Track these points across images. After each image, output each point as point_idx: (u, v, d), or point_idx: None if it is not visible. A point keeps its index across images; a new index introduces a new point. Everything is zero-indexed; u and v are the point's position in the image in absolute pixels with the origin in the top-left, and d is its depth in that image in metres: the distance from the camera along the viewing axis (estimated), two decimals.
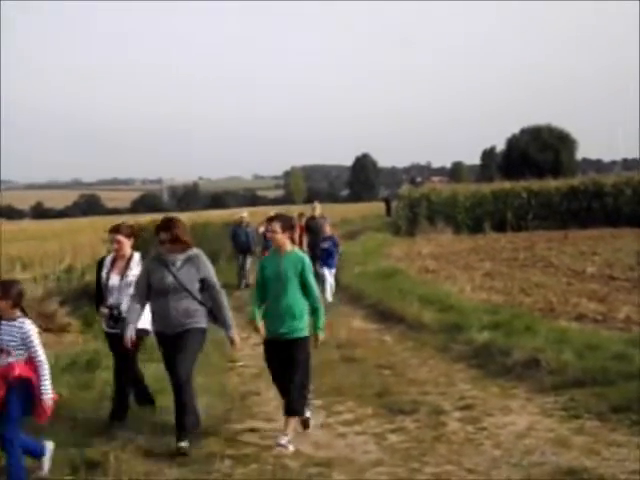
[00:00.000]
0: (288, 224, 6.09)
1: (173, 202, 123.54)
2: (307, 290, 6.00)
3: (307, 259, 6.11)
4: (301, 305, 6.00)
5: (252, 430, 6.35)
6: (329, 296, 13.23)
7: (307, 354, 6.12)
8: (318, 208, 15.86)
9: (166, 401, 6.57)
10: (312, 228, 15.19)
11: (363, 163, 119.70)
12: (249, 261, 17.47)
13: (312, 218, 15.57)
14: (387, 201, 47.33)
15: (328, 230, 14.20)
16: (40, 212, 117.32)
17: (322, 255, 13.83)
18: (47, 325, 10.20)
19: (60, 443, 5.52)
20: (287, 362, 5.99)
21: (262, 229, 16.13)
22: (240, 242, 17.60)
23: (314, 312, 6.08)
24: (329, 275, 13.76)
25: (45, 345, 5.25)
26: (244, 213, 18.74)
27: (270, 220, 6.21)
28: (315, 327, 6.09)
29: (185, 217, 23.47)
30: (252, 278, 15.83)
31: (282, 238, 6.00)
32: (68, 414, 6.38)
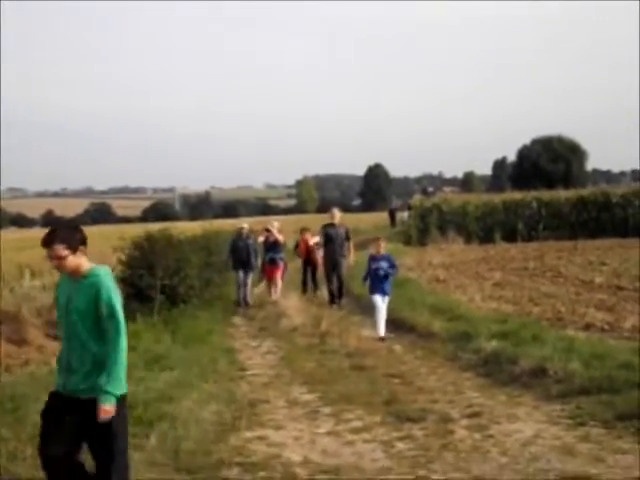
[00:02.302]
0: (75, 238, 4.20)
1: (185, 211, 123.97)
2: (105, 327, 4.09)
3: (108, 280, 4.22)
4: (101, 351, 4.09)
5: (260, 438, 6.37)
6: (382, 330, 11.06)
7: (119, 425, 4.11)
8: (337, 215, 14.47)
9: None
10: (331, 236, 13.93)
11: (375, 173, 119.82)
12: (251, 277, 15.77)
13: (331, 225, 14.18)
14: (392, 212, 47.28)
15: (382, 247, 11.62)
16: (51, 220, 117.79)
17: (374, 279, 11.30)
18: (55, 333, 10.27)
19: None
20: (82, 433, 4.13)
21: (261, 238, 15.90)
22: (240, 256, 15.67)
23: (102, 365, 4.06)
24: (383, 305, 11.18)
25: (53, 353, 5.29)
26: (244, 224, 17.11)
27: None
28: (100, 390, 4.01)
29: (197, 226, 23.68)
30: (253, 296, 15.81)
31: (72, 261, 4.16)
32: None
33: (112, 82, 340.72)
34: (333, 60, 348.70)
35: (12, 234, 73.81)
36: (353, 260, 14.25)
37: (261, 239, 15.83)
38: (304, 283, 16.18)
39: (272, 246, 15.47)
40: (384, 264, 11.23)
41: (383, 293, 11.17)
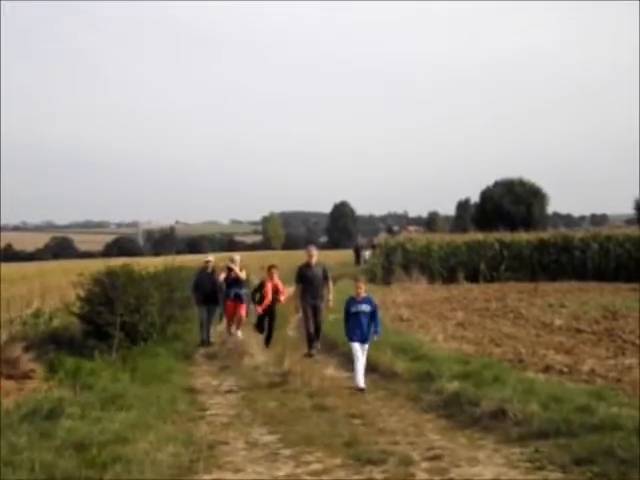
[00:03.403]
0: None
1: (148, 246, 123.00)
2: None
3: None
4: None
5: None
6: (361, 381, 10.07)
7: None
8: (315, 254, 12.86)
9: None
10: (309, 278, 12.38)
11: (341, 211, 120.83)
12: (216, 313, 15.44)
13: (307, 266, 12.53)
14: (357, 249, 47.65)
15: (363, 289, 10.63)
16: (10, 255, 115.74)
17: (353, 324, 10.37)
18: (9, 371, 9.99)
19: None
20: None
21: (223, 275, 15.25)
22: (205, 290, 15.23)
23: None
24: (363, 353, 10.31)
25: (6, 392, 5.15)
26: (210, 257, 16.50)
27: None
28: None
29: (160, 261, 23.45)
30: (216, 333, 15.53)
31: None
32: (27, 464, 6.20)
33: (72, 114, 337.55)
34: (304, 94, 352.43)
35: None
36: (333, 302, 12.77)
37: (223, 276, 15.31)
38: (265, 330, 14.27)
39: (234, 282, 15.09)
40: (365, 307, 10.38)
41: (362, 340, 10.29)
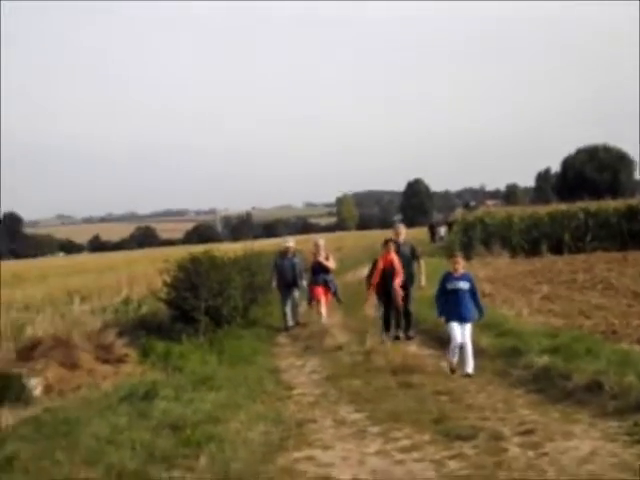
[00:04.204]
0: None
1: (227, 232, 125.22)
2: None
3: None
4: None
5: (309, 458, 6.33)
6: (470, 367, 9.30)
7: None
8: (403, 231, 12.55)
9: None
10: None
11: (415, 188, 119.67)
12: (297, 296, 15.08)
13: (395, 244, 12.25)
14: (432, 227, 46.86)
15: (461, 264, 9.82)
16: (97, 245, 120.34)
17: (451, 302, 9.56)
18: (105, 356, 10.38)
19: (119, 472, 5.60)
20: None
21: (313, 260, 14.78)
22: (285, 275, 14.95)
23: None
24: (464, 334, 9.41)
25: (103, 376, 5.35)
26: (290, 242, 15.83)
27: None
28: None
29: (239, 246, 23.83)
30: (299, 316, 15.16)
31: None
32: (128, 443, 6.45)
33: (148, 109, 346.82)
34: (365, 73, 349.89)
35: (61, 260, 75.47)
36: (424, 282, 12.25)
37: (313, 260, 14.79)
38: (387, 321, 12.47)
39: (320, 269, 14.50)
40: (464, 284, 9.62)
41: (461, 319, 9.48)
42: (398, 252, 12.09)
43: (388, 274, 12.04)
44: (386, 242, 12.30)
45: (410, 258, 12.24)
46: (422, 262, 12.44)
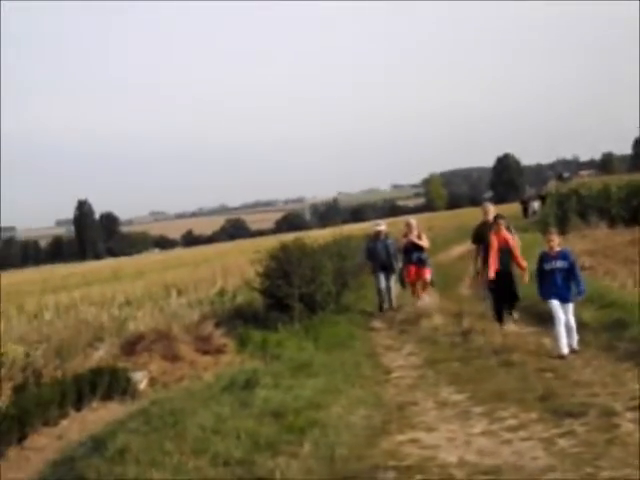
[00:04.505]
0: None
1: (315, 219, 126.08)
2: None
3: None
4: None
5: (413, 441, 6.26)
6: (563, 347, 8.89)
7: None
8: (492, 210, 12.11)
9: None
10: (486, 237, 11.36)
11: (505, 163, 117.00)
12: (393, 280, 14.70)
13: (485, 224, 11.81)
14: (524, 202, 45.40)
15: (556, 242, 9.40)
16: (190, 239, 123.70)
17: (549, 282, 9.19)
18: (205, 347, 10.61)
19: (225, 461, 5.69)
20: None
21: (403, 241, 14.47)
22: (379, 258, 14.58)
23: None
24: (571, 314, 9.09)
25: (204, 367, 5.43)
26: (382, 225, 15.44)
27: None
28: None
29: (327, 233, 23.92)
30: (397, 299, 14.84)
31: None
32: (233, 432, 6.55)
33: (234, 109, 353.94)
34: (440, 52, 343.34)
35: (156, 256, 78.08)
36: (524, 263, 11.11)
37: (403, 240, 14.44)
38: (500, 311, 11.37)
39: (413, 248, 14.12)
40: (561, 263, 9.17)
41: (562, 300, 9.08)
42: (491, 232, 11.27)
43: (504, 254, 10.93)
44: (496, 219, 11.31)
45: None
46: (517, 238, 11.72)
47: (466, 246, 30.48)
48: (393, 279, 14.70)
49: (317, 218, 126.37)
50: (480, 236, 11.70)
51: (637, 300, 10.69)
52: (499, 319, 11.25)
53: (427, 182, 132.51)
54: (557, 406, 6.64)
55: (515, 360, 8.85)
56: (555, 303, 9.07)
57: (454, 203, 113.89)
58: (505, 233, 11.16)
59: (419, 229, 14.67)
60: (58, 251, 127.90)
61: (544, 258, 9.35)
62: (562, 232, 28.07)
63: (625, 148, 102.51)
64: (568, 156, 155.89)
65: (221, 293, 16.18)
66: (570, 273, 9.15)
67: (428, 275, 14.26)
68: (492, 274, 10.85)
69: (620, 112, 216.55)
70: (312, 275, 13.20)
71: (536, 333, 10.52)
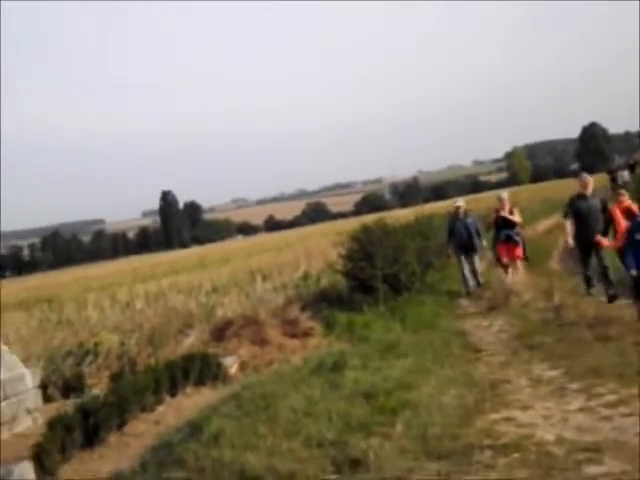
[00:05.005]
0: None
1: (395, 199, 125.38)
2: None
3: None
4: None
5: (508, 419, 6.12)
6: None
7: None
8: (590, 183, 11.65)
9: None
10: (583, 212, 11.24)
11: (591, 132, 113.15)
12: (477, 259, 14.47)
13: (582, 197, 11.48)
14: (611, 172, 43.31)
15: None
16: (272, 225, 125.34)
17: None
18: (292, 331, 10.70)
19: (319, 442, 5.72)
20: None
21: (492, 216, 13.97)
22: (460, 238, 14.31)
23: None
24: None
25: (292, 350, 5.44)
26: (460, 202, 15.12)
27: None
28: None
29: (409, 212, 23.72)
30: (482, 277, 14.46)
31: None
32: (324, 414, 6.56)
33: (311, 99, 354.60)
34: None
35: (239, 242, 79.48)
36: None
37: (493, 216, 13.96)
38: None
39: (504, 224, 13.59)
40: None
41: None
42: (585, 206, 11.22)
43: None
44: (618, 188, 11.04)
45: (599, 212, 11.25)
46: (617, 211, 11.20)
47: (554, 220, 29.81)
48: (477, 258, 14.38)
49: (397, 198, 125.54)
50: (576, 210, 11.33)
51: None
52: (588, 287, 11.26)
53: (510, 156, 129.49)
54: None
55: (611, 334, 8.53)
56: None
57: (539, 176, 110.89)
58: (630, 204, 10.74)
59: (511, 203, 14.12)
60: (145, 241, 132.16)
61: (637, 227, 8.83)
62: None
63: None
64: None
65: (305, 277, 16.29)
66: None
67: (519, 253, 13.69)
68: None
69: None
70: (395, 255, 13.10)
71: (632, 305, 10.11)
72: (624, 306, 10.22)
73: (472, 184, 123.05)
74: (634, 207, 10.69)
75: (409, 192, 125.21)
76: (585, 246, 11.30)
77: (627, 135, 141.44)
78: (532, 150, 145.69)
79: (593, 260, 11.54)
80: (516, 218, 13.73)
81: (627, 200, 11.24)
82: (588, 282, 11.63)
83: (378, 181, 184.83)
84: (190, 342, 10.13)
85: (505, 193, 14.76)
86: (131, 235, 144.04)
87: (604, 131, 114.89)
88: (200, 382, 8.38)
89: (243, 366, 9.37)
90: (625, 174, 39.63)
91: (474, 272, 14.34)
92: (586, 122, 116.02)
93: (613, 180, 41.58)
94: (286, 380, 7.76)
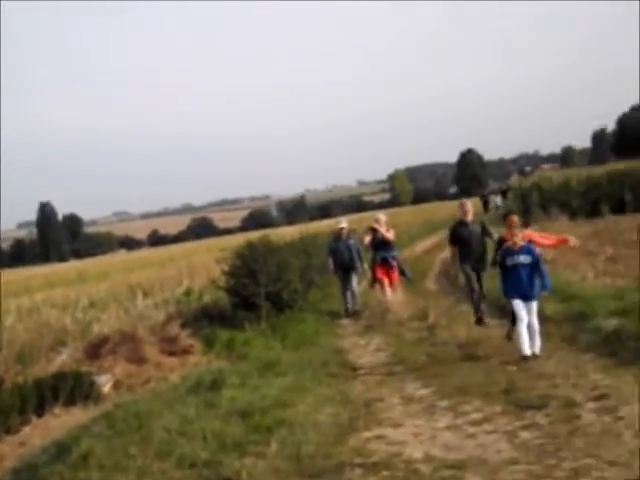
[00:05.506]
0: None
1: (282, 216, 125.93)
2: None
3: None
4: None
5: (379, 437, 6.30)
6: (525, 347, 8.37)
7: None
8: (471, 209, 11.60)
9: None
10: (464, 238, 11.16)
11: (468, 158, 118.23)
12: (355, 281, 14.44)
13: (463, 224, 11.36)
14: (484, 197, 45.93)
15: (520, 237, 8.85)
16: (156, 239, 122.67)
17: (511, 278, 8.69)
18: (171, 348, 10.54)
19: (192, 462, 5.66)
20: None
21: (368, 238, 13.89)
22: (341, 258, 14.30)
23: None
24: (534, 313, 8.61)
25: (170, 368, 5.40)
26: (343, 223, 14.99)
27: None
28: None
29: (294, 230, 23.96)
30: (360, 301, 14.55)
31: None
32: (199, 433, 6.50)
33: (195, 106, 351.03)
34: (412, 49, 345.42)
35: (122, 256, 77.23)
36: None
37: (367, 239, 13.90)
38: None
39: (381, 244, 13.66)
40: (524, 258, 8.63)
41: (525, 297, 8.59)
42: (466, 232, 11.20)
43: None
44: (507, 215, 10.54)
45: (480, 237, 11.23)
46: (495, 237, 10.88)
47: (432, 241, 30.92)
48: (357, 278, 14.46)
49: (284, 215, 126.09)
50: (457, 236, 11.29)
51: (597, 292, 10.90)
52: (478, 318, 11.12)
53: (392, 177, 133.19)
54: (520, 399, 6.73)
55: (480, 353, 8.96)
56: (518, 303, 8.59)
57: (420, 198, 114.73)
58: (530, 233, 10.05)
59: (388, 225, 14.27)
60: (20, 254, 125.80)
61: (506, 253, 8.84)
62: (525, 225, 28.39)
63: (585, 142, 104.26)
64: (530, 150, 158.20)
65: (187, 293, 16.08)
66: (534, 268, 8.63)
67: (396, 275, 13.89)
68: None
69: (581, 106, 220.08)
70: (278, 273, 13.18)
71: (500, 325, 10.62)
72: (493, 327, 10.74)
73: (357, 204, 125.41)
74: (534, 235, 10.06)
75: (296, 210, 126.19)
76: (469, 271, 11.22)
77: (501, 162, 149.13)
78: (414, 173, 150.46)
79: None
80: (390, 236, 13.85)
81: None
82: (477, 308, 11.29)
83: (265, 198, 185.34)
84: (63, 360, 9.75)
85: (383, 215, 14.87)
86: (5, 247, 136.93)
87: (480, 157, 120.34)
88: (71, 402, 8.10)
89: (118, 385, 9.13)
90: (498, 199, 41.90)
91: (353, 292, 14.42)
92: (464, 148, 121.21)
93: (485, 204, 43.90)
94: (162, 399, 7.63)
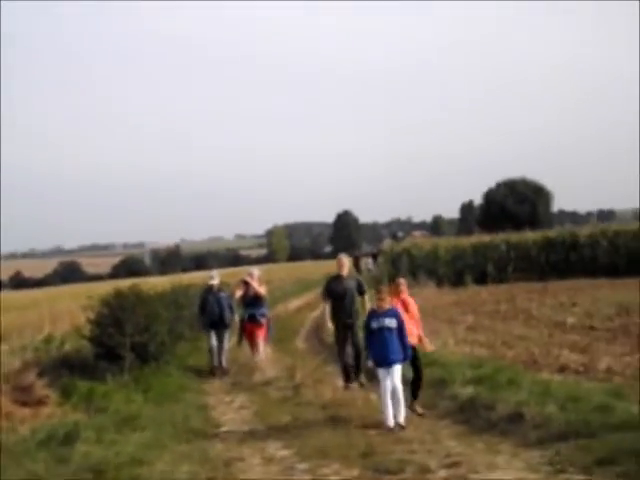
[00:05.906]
0: None
1: (155, 265, 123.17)
2: None
3: None
4: None
5: None
6: (390, 418, 8.30)
7: None
8: (347, 265, 11.44)
9: None
10: (339, 294, 10.98)
11: (344, 220, 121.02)
12: (226, 337, 14.11)
13: (338, 279, 11.20)
14: (356, 258, 47.28)
15: (387, 300, 8.82)
16: (19, 282, 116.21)
17: (376, 343, 8.53)
18: (24, 398, 9.96)
19: None
20: None
21: (239, 292, 13.87)
22: (211, 313, 13.98)
23: None
24: (398, 377, 8.47)
25: (21, 419, 5.14)
26: (215, 279, 14.57)
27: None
28: None
29: (167, 280, 23.50)
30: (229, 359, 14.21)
31: None
32: None
33: (70, 145, 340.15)
34: (300, 104, 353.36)
35: None
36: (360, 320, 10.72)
37: (239, 293, 13.88)
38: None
39: (252, 300, 13.68)
40: (389, 322, 8.57)
41: (389, 363, 8.45)
42: (340, 287, 11.03)
43: None
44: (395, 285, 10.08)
45: (354, 294, 11.14)
46: (367, 298, 11.02)
47: (305, 299, 31.24)
48: (226, 336, 14.15)
49: (158, 264, 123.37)
50: (331, 291, 11.12)
51: (457, 359, 11.39)
52: (345, 376, 11.09)
53: (270, 233, 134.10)
54: (377, 463, 6.83)
55: (342, 415, 9.05)
56: (382, 372, 8.46)
57: (296, 255, 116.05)
58: (407, 297, 9.93)
59: (261, 280, 14.27)
60: None
61: (372, 315, 8.77)
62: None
63: (454, 212, 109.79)
64: (403, 217, 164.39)
65: (48, 340, 15.33)
66: (399, 332, 8.59)
67: (262, 336, 13.77)
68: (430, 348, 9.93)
69: (448, 178, 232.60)
70: (146, 324, 12.85)
71: (364, 388, 10.84)
72: (358, 389, 10.92)
73: (233, 257, 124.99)
74: (410, 299, 10.03)
75: (170, 259, 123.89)
76: (341, 327, 11.07)
77: (375, 225, 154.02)
78: (291, 229, 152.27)
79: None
80: (262, 291, 13.84)
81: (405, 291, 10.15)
82: (347, 369, 11.11)
83: (139, 245, 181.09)
84: None
85: (256, 270, 14.78)
86: None
87: (355, 220, 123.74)
88: None
89: None
90: (369, 262, 43.18)
91: (222, 348, 14.09)
92: (340, 209, 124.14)
93: (356, 266, 45.09)
94: (8, 453, 7.19)
